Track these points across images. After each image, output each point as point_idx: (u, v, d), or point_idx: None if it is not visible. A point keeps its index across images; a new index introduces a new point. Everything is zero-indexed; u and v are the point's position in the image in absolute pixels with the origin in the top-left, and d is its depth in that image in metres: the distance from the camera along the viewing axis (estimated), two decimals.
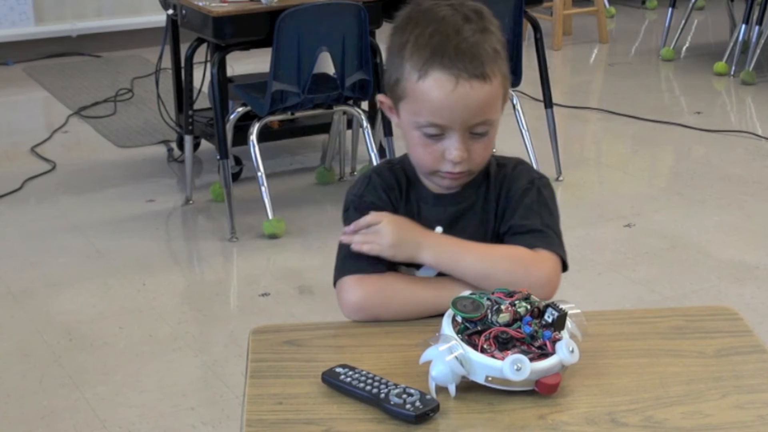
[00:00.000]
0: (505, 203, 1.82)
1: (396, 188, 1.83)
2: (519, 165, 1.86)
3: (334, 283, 1.81)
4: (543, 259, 1.75)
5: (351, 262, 1.79)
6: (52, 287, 3.70)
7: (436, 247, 1.75)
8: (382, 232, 1.75)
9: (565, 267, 1.78)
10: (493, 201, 1.83)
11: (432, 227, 1.80)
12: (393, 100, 1.78)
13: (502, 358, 1.48)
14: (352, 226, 1.78)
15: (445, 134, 1.72)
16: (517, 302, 1.55)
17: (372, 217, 1.77)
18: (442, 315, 1.57)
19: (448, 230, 1.81)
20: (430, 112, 1.70)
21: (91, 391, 3.04)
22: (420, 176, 1.84)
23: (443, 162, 1.74)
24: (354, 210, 1.82)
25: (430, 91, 1.69)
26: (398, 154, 4.24)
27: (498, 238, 1.82)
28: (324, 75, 4.11)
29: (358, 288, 1.76)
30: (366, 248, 1.75)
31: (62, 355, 3.25)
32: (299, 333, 1.71)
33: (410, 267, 1.80)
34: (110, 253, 3.96)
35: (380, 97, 1.83)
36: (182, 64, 4.38)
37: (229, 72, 4.50)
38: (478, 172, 1.81)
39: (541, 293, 1.65)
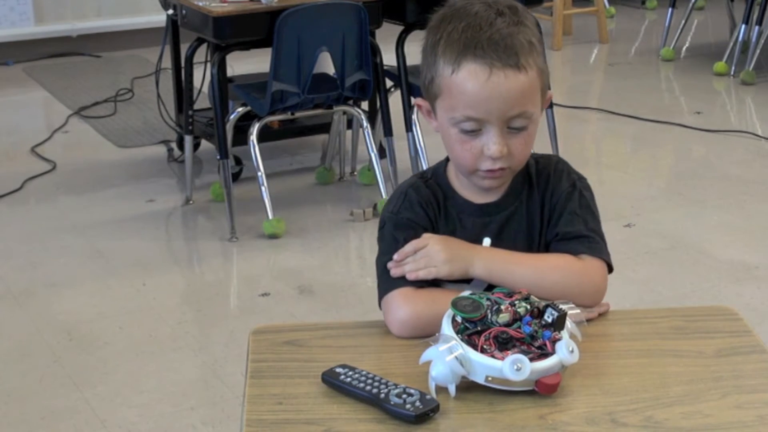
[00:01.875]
0: (551, 208, 1.79)
1: (433, 203, 1.80)
2: (558, 164, 1.83)
3: (379, 302, 1.75)
4: (592, 268, 1.75)
5: (392, 277, 1.74)
6: (52, 287, 3.70)
7: (487, 260, 1.71)
8: (433, 253, 1.71)
9: (610, 269, 1.78)
10: (537, 205, 1.80)
11: (479, 239, 1.77)
12: (429, 101, 1.76)
13: (502, 358, 1.48)
14: (397, 256, 1.73)
15: (483, 129, 1.69)
16: (516, 302, 1.55)
17: (417, 242, 1.73)
18: None
19: (496, 241, 1.77)
20: (466, 105, 1.67)
21: (91, 391, 3.04)
22: (456, 188, 1.80)
23: (482, 159, 1.71)
24: (392, 227, 1.78)
25: (464, 82, 1.66)
26: (398, 154, 4.28)
27: (547, 243, 1.80)
28: (324, 75, 4.11)
29: (407, 304, 1.69)
30: (422, 274, 1.70)
31: (62, 355, 3.25)
32: (299, 333, 1.71)
33: (458, 283, 1.75)
34: (110, 253, 3.96)
35: (418, 101, 1.80)
36: (182, 64, 4.38)
37: (229, 72, 4.50)
38: (518, 176, 1.79)
39: (590, 301, 1.69)
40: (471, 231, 1.79)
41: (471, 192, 1.80)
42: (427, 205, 1.79)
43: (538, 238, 1.80)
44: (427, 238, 1.74)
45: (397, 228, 1.77)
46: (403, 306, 1.69)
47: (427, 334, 1.58)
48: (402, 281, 1.72)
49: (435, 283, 1.74)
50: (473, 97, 1.67)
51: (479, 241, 1.78)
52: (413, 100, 1.85)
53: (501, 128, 1.69)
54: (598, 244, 1.77)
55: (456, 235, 1.78)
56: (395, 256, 1.73)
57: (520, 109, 1.68)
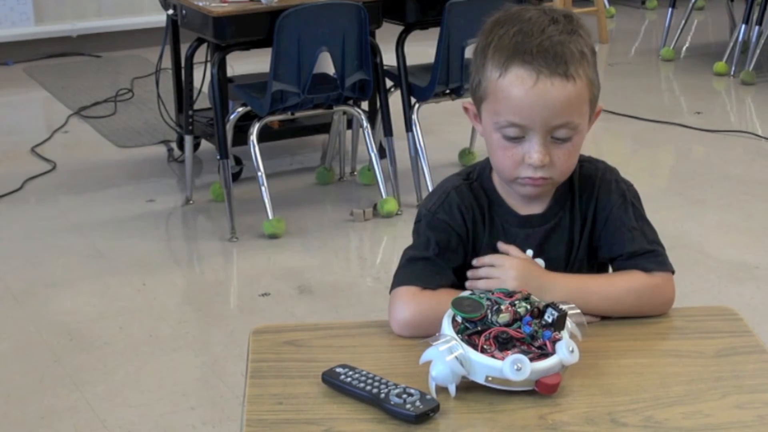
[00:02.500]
0: (601, 219, 1.78)
1: (476, 208, 1.78)
2: (606, 173, 1.81)
3: (390, 291, 1.75)
4: (663, 283, 1.75)
5: (408, 271, 1.74)
6: (53, 287, 3.70)
7: (561, 290, 1.68)
8: (507, 277, 1.68)
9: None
10: (579, 215, 1.79)
11: (521, 251, 1.76)
12: (476, 105, 1.74)
13: (502, 358, 1.48)
14: (476, 262, 1.72)
15: (526, 137, 1.67)
16: (516, 302, 1.55)
17: (495, 257, 1.72)
18: None
19: (537, 253, 1.76)
20: (510, 111, 1.65)
21: (91, 391, 3.04)
22: (501, 195, 1.78)
23: (523, 167, 1.68)
24: (426, 225, 1.77)
25: (510, 87, 1.65)
26: (398, 154, 4.28)
27: (582, 251, 1.79)
28: (324, 75, 4.10)
29: (411, 303, 1.69)
30: (493, 284, 1.68)
31: (62, 355, 3.25)
32: (299, 333, 1.71)
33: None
34: (110, 253, 3.96)
35: (465, 104, 1.78)
36: (182, 64, 4.38)
37: (229, 72, 4.50)
38: (563, 184, 1.77)
39: (662, 312, 1.74)
40: (514, 242, 1.77)
41: (516, 201, 1.78)
42: (467, 210, 1.77)
43: (577, 249, 1.79)
44: (505, 258, 1.72)
45: (431, 228, 1.76)
46: (406, 305, 1.69)
47: (427, 334, 1.57)
48: (413, 277, 1.72)
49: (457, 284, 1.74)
50: (518, 103, 1.65)
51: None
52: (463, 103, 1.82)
53: (544, 137, 1.67)
54: (663, 256, 1.77)
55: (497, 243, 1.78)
56: (474, 261, 1.73)
57: (565, 118, 1.66)
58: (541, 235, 1.78)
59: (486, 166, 1.81)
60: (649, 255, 1.76)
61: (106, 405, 2.98)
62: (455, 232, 1.76)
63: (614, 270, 1.80)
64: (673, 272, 1.77)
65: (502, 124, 1.67)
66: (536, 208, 1.78)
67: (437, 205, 1.78)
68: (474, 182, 1.80)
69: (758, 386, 1.55)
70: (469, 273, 1.75)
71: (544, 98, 1.64)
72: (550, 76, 1.63)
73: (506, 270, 1.70)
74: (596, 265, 1.83)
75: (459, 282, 1.77)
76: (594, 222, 1.79)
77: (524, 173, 1.69)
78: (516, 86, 1.64)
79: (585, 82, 1.67)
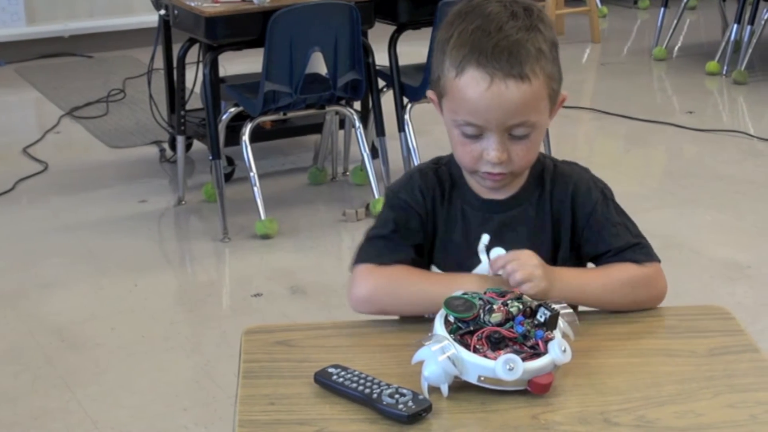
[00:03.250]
0: (575, 218, 1.79)
1: (437, 190, 1.80)
2: (583, 173, 1.84)
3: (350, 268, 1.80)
4: (653, 273, 1.77)
5: (366, 249, 1.77)
6: (45, 288, 3.70)
7: (564, 280, 1.70)
8: (531, 267, 1.66)
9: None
10: (549, 211, 1.80)
11: (477, 233, 1.77)
12: (437, 97, 1.76)
13: (495, 358, 1.48)
14: (498, 262, 1.69)
15: (483, 134, 1.69)
16: (509, 302, 1.55)
17: (516, 253, 1.69)
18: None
19: (495, 239, 1.77)
20: (467, 111, 1.67)
21: (83, 392, 3.04)
22: (467, 179, 1.80)
23: (482, 162, 1.70)
24: (387, 204, 1.82)
25: (466, 89, 1.66)
26: (391, 154, 4.28)
27: (547, 249, 1.79)
28: (316, 75, 4.10)
29: (368, 279, 1.73)
30: (526, 288, 1.63)
31: (54, 356, 3.24)
32: (292, 333, 1.71)
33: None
34: (102, 253, 3.96)
35: (429, 93, 1.80)
36: (174, 64, 4.38)
37: (222, 72, 4.50)
38: (531, 178, 1.79)
39: (656, 304, 1.76)
40: (471, 224, 1.79)
41: (479, 186, 1.79)
42: (428, 191, 1.80)
43: (547, 245, 1.79)
44: (516, 252, 1.69)
45: (391, 207, 1.81)
46: (363, 282, 1.74)
47: (383, 311, 1.66)
48: (371, 255, 1.75)
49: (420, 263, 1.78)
50: (473, 105, 1.66)
51: (478, 236, 1.78)
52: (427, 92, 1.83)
53: (501, 135, 1.68)
54: (648, 247, 1.80)
55: (456, 226, 1.80)
56: (489, 269, 1.71)
57: (520, 118, 1.67)
58: (500, 222, 1.79)
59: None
60: (636, 247, 1.78)
61: (98, 406, 2.98)
62: (415, 211, 1.79)
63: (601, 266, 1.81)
64: (660, 262, 1.79)
65: (460, 123, 1.69)
66: (500, 195, 1.80)
67: (400, 186, 1.82)
68: (442, 166, 1.83)
69: (750, 385, 1.55)
70: (491, 271, 1.72)
71: (499, 100, 1.64)
72: (504, 79, 1.64)
73: (528, 261, 1.67)
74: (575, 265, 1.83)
75: (423, 260, 1.80)
76: (574, 221, 1.80)
77: (483, 168, 1.71)
78: (471, 88, 1.65)
79: (542, 80, 1.67)
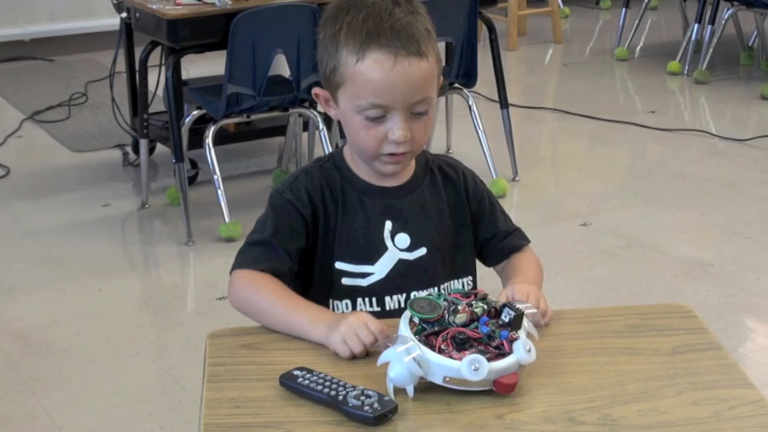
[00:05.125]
0: (469, 204, 1.90)
1: (325, 188, 1.84)
2: (458, 163, 1.95)
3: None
4: (533, 253, 1.96)
5: (245, 254, 1.82)
6: (7, 293, 3.67)
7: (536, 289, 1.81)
8: (537, 292, 1.78)
9: None
10: (443, 197, 1.88)
11: (381, 221, 1.83)
12: (330, 90, 1.80)
13: (460, 359, 1.48)
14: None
15: (387, 115, 1.74)
16: (473, 303, 1.55)
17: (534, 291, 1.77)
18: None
19: (398, 226, 1.83)
20: (372, 93, 1.72)
21: (47, 398, 3.02)
22: (355, 171, 1.85)
23: (386, 144, 1.76)
24: (270, 206, 1.85)
25: (370, 71, 1.71)
26: None
27: (458, 232, 1.89)
28: (279, 77, 4.10)
29: (240, 286, 1.78)
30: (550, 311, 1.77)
31: (18, 362, 3.22)
32: (256, 336, 1.71)
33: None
34: (65, 258, 3.93)
35: (316, 90, 1.85)
36: (137, 67, 4.36)
37: (184, 75, 4.48)
38: (419, 165, 1.87)
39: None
40: (371, 213, 1.84)
41: (371, 175, 1.85)
42: (314, 190, 1.84)
43: (453, 226, 1.89)
44: (520, 290, 1.75)
45: (273, 208, 1.84)
46: (235, 288, 1.78)
47: (252, 315, 1.74)
48: (249, 262, 1.79)
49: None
50: (379, 85, 1.72)
51: (381, 223, 1.83)
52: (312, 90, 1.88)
53: (405, 114, 1.74)
54: (522, 231, 1.97)
55: (356, 217, 1.83)
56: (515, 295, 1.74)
57: (423, 94, 1.74)
58: (400, 208, 1.85)
59: (338, 150, 1.89)
60: (517, 233, 1.95)
61: (63, 411, 2.96)
62: (299, 213, 1.82)
63: (489, 251, 1.94)
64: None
65: (364, 107, 1.74)
66: (393, 182, 1.85)
67: (284, 186, 1.86)
68: (326, 163, 1.88)
69: (713, 383, 1.56)
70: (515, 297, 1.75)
71: (404, 77, 1.71)
72: (407, 57, 1.71)
73: (537, 292, 1.77)
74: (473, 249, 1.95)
75: (304, 265, 1.84)
76: (470, 206, 1.90)
77: (387, 149, 1.77)
78: (375, 70, 1.71)
79: (434, 58, 1.76)
